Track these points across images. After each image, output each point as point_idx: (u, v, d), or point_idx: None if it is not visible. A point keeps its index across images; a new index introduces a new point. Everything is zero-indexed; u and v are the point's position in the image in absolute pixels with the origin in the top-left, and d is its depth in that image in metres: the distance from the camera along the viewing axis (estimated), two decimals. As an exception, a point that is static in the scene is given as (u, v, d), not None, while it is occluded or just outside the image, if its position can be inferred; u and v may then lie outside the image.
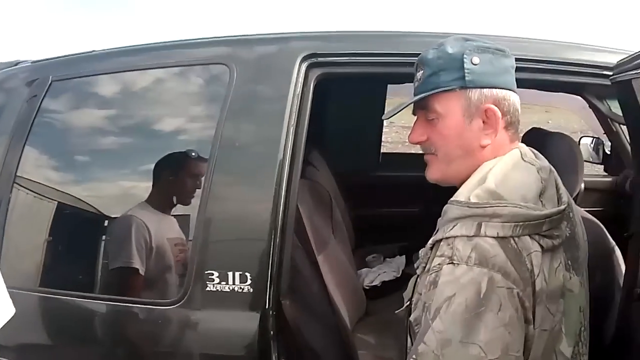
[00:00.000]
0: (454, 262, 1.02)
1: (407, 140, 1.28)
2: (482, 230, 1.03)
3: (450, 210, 1.11)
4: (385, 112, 1.41)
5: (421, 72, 1.19)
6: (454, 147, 1.17)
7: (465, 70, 1.13)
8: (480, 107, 1.14)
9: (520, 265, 1.02)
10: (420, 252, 1.17)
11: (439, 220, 1.16)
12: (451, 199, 1.12)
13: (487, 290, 0.98)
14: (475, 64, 1.13)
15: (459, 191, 1.13)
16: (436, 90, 1.15)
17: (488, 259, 1.00)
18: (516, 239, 1.04)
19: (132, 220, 1.79)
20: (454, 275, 1.01)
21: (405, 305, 1.20)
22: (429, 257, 1.11)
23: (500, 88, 1.16)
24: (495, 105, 1.14)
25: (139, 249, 1.75)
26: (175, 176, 1.83)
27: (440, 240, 1.08)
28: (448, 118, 1.16)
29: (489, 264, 1.00)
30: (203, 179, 1.67)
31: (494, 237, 1.03)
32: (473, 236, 1.03)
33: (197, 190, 1.72)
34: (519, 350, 1.01)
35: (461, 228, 1.05)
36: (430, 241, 1.13)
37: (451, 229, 1.07)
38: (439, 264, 1.05)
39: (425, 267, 1.12)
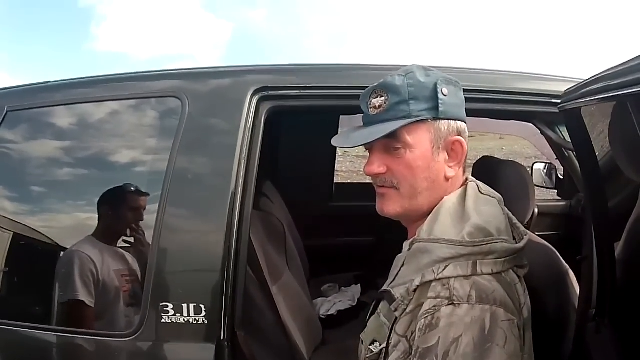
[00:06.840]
0: (454, 302, 0.99)
1: (361, 170, 1.25)
2: (478, 269, 1.02)
3: (438, 249, 1.05)
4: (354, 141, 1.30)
5: (383, 98, 1.12)
6: (421, 179, 1.12)
7: (439, 101, 1.10)
8: (448, 139, 1.13)
9: (514, 295, 1.04)
10: (394, 292, 1.10)
11: (409, 256, 1.12)
12: (433, 237, 1.07)
13: (491, 326, 0.97)
14: (446, 95, 1.11)
15: (436, 228, 1.08)
16: (410, 121, 1.09)
17: (488, 295, 0.99)
18: (505, 272, 1.05)
19: (75, 255, 1.79)
20: (457, 315, 0.98)
21: (381, 347, 1.12)
22: (411, 299, 1.06)
23: (462, 120, 1.16)
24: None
25: (86, 282, 1.74)
26: (115, 210, 1.82)
27: (430, 282, 1.03)
28: (417, 149, 1.11)
29: (490, 300, 0.99)
30: (144, 211, 1.71)
31: (489, 274, 1.02)
32: (470, 275, 1.02)
33: (140, 222, 1.75)
34: None
35: (456, 268, 1.02)
36: (415, 282, 1.05)
37: (443, 270, 1.02)
38: (434, 306, 1.00)
39: (405, 309, 1.06)
